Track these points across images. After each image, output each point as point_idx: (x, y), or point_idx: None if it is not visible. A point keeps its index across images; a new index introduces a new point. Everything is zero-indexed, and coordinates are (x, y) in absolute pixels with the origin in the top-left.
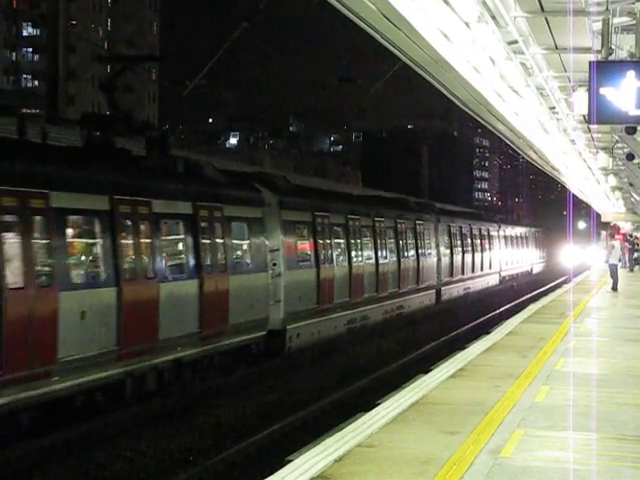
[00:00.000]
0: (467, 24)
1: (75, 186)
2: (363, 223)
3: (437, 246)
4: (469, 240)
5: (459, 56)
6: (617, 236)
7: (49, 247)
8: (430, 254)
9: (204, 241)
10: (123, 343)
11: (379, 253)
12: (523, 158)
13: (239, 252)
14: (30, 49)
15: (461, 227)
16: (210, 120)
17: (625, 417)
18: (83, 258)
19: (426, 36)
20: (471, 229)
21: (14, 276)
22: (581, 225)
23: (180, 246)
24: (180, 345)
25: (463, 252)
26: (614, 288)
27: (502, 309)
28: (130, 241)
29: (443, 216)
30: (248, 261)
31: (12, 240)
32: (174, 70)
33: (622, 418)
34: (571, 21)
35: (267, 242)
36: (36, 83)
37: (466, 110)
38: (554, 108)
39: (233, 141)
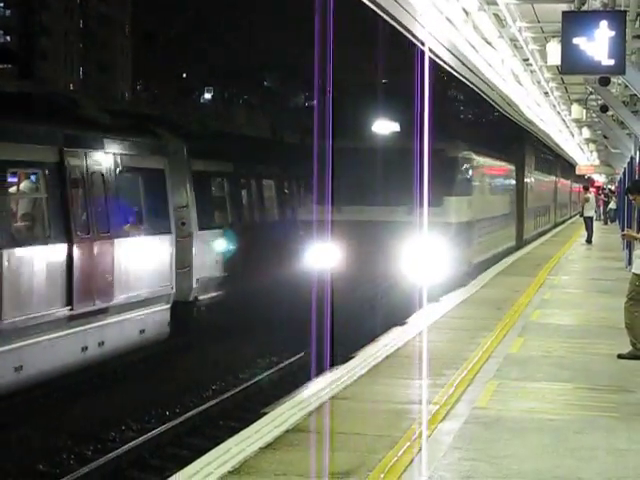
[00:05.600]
0: None
1: None
2: None
3: None
4: None
5: (432, 7)
6: (591, 189)
7: None
8: None
9: None
10: None
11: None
12: None
13: None
14: (1, 4)
15: None
16: (184, 75)
17: (598, 367)
18: None
19: None
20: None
21: None
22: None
23: None
24: None
25: None
26: (589, 241)
27: None
28: None
29: None
30: None
31: None
32: (147, 24)
33: (595, 368)
34: None
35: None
36: (8, 39)
37: (439, 62)
38: (527, 60)
39: (207, 96)
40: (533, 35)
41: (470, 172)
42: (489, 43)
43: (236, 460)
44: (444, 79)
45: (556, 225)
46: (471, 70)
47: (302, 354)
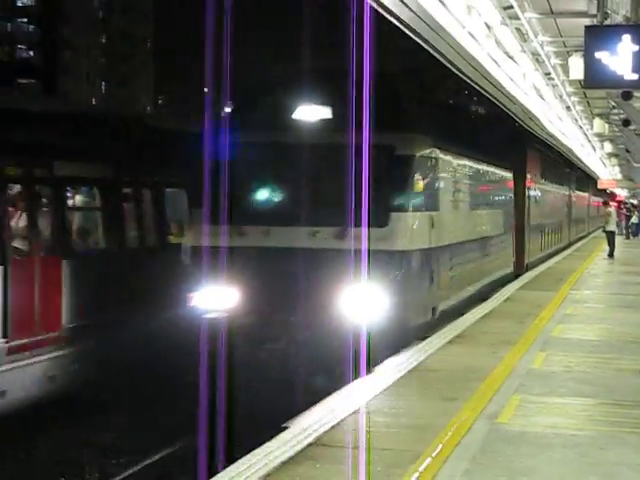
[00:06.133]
0: None
1: None
2: None
3: None
4: None
5: (455, 22)
6: (612, 203)
7: None
8: None
9: None
10: None
11: None
12: None
13: None
14: (25, 19)
15: None
16: (205, 90)
17: (622, 382)
18: None
19: (421, 1)
20: None
21: None
22: None
23: None
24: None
25: None
26: (610, 255)
27: None
28: None
29: None
30: None
31: None
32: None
33: (619, 384)
34: None
35: None
36: (31, 53)
37: (461, 76)
38: (549, 74)
39: (228, 110)
40: (555, 49)
41: (436, 179)
42: (511, 57)
43: (258, 475)
44: (397, 44)
45: (571, 244)
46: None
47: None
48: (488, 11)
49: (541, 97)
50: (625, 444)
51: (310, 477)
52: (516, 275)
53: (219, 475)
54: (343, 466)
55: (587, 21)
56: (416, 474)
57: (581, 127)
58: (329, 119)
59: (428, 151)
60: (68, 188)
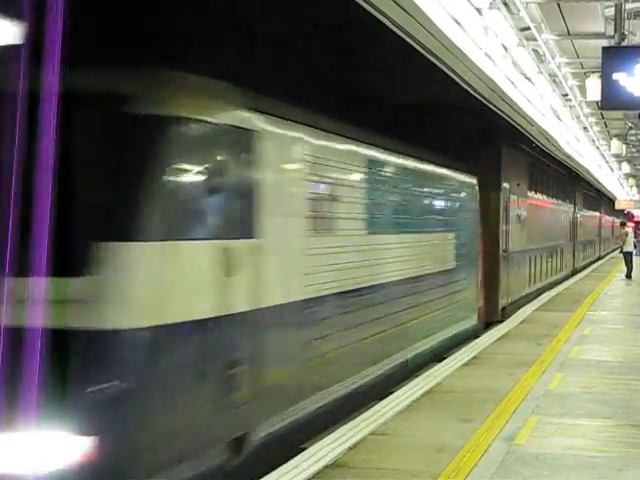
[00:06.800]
0: (479, 10)
1: None
2: None
3: None
4: None
5: (471, 43)
6: (629, 224)
7: None
8: None
9: None
10: None
11: None
12: None
13: None
14: None
15: None
16: None
17: None
18: None
19: (438, 22)
20: None
21: None
22: None
23: None
24: None
25: None
26: (628, 276)
27: None
28: None
29: None
30: None
31: None
32: None
33: (637, 405)
34: (583, 7)
35: None
36: None
37: (478, 98)
38: (567, 95)
39: None
40: (572, 71)
41: (255, 173)
42: (528, 78)
43: None
44: None
45: (576, 271)
46: None
47: None
48: (505, 32)
49: (558, 118)
50: None
51: None
52: (486, 325)
53: None
54: None
55: (604, 42)
56: None
57: (598, 148)
58: None
59: (227, 113)
60: None
